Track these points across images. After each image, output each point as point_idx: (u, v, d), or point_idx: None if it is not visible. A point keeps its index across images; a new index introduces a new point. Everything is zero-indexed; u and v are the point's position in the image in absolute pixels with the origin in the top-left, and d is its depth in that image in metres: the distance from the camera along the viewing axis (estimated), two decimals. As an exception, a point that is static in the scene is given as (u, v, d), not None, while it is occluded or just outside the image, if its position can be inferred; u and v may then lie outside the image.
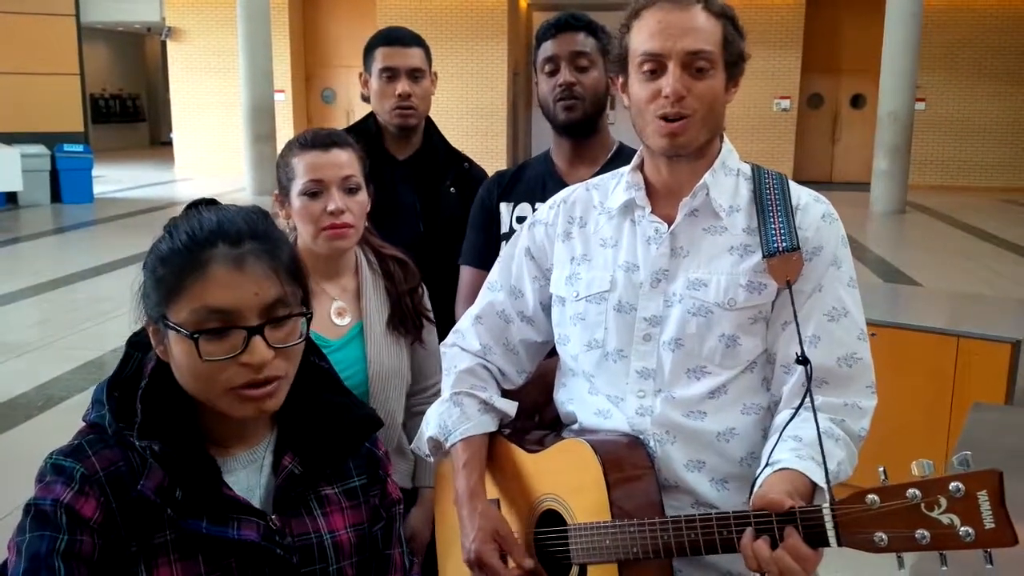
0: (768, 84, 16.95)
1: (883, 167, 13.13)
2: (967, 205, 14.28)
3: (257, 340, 1.07)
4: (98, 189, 14.25)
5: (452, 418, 1.62)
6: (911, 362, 3.41)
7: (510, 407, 1.66)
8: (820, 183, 16.16)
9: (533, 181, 2.19)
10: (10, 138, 12.95)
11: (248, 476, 1.18)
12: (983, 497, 1.06)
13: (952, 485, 1.07)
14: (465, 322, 1.73)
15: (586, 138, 2.13)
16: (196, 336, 1.05)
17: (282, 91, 17.35)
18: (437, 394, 2.00)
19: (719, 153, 1.53)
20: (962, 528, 1.07)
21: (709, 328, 1.46)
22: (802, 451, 1.33)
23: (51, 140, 13.28)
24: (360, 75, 2.53)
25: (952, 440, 3.19)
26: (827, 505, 1.18)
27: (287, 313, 1.10)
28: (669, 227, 1.51)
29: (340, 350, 1.89)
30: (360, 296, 1.95)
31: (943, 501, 1.08)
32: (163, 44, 19.57)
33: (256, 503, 1.16)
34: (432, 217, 2.44)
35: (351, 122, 2.61)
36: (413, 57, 2.43)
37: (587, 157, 2.14)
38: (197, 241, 1.08)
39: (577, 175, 2.10)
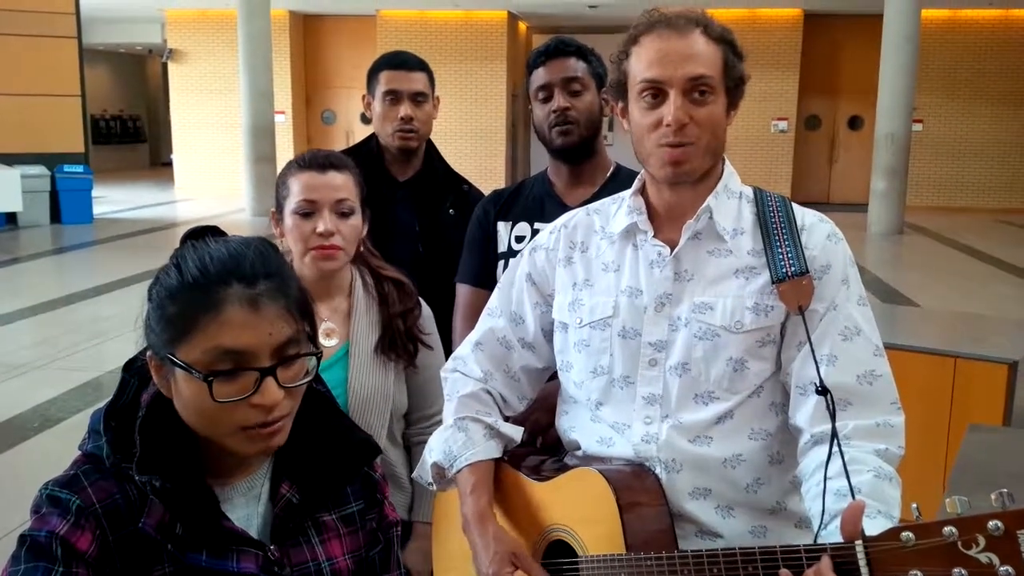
0: (766, 106, 17.03)
1: (881, 188, 13.16)
2: (964, 226, 14.31)
3: (269, 382, 1.05)
4: (98, 210, 14.25)
5: (457, 444, 1.59)
6: (908, 383, 3.37)
7: (515, 432, 1.64)
8: (818, 204, 16.06)
9: (531, 201, 2.20)
10: (11, 159, 12.96)
11: (246, 505, 1.16)
12: (1023, 536, 1.02)
13: (991, 523, 1.03)
14: (465, 348, 1.70)
15: (583, 161, 2.14)
16: (210, 379, 1.03)
17: (282, 112, 17.41)
18: (439, 423, 1.99)
19: (721, 176, 1.52)
20: (1002, 567, 1.03)
21: (716, 352, 1.44)
22: (869, 507, 1.25)
23: (51, 161, 13.28)
24: (363, 96, 2.56)
25: (950, 461, 3.18)
26: (860, 542, 1.14)
27: (297, 352, 1.08)
28: (672, 251, 1.49)
29: (324, 372, 1.87)
30: (350, 317, 1.94)
31: (981, 539, 1.04)
32: (164, 65, 19.65)
33: (254, 532, 1.15)
34: (431, 239, 2.45)
35: (351, 143, 2.63)
36: (416, 81, 2.46)
37: (585, 179, 2.15)
38: (210, 278, 1.05)
39: (575, 196, 2.11)
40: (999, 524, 1.03)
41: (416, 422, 2.04)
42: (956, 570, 1.05)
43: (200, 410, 1.06)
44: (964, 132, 17.06)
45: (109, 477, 1.07)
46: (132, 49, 24.29)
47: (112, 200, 16.60)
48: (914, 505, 1.12)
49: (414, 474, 1.74)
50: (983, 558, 1.04)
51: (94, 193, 13.90)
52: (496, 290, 1.72)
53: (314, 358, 1.12)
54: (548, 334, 1.64)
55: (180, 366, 1.04)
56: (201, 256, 1.07)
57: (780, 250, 1.44)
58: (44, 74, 13.37)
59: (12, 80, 13.04)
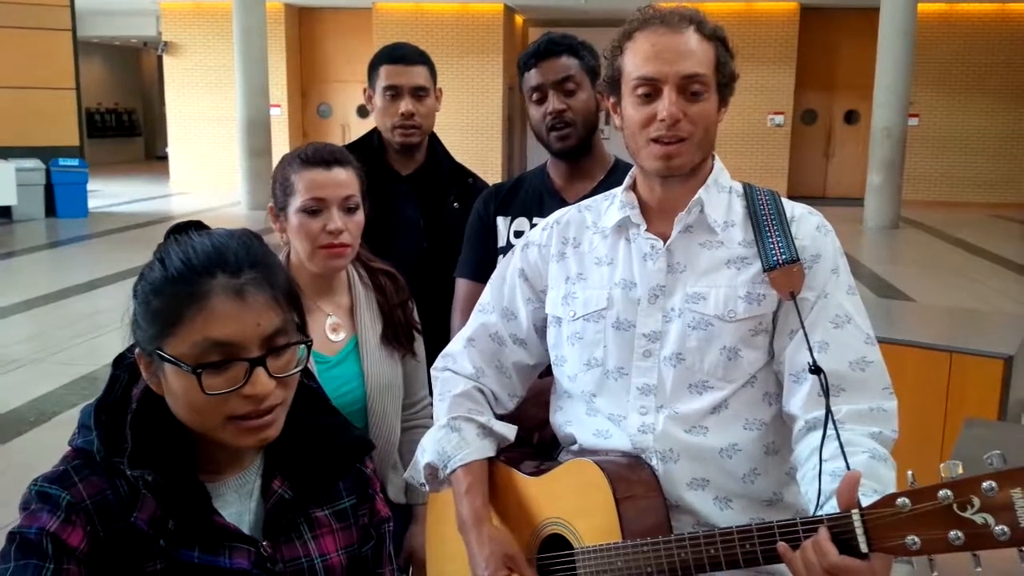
0: (762, 100, 17.02)
1: (876, 182, 13.18)
2: (960, 220, 14.33)
3: (259, 372, 1.04)
4: (93, 203, 14.22)
5: (451, 444, 1.59)
6: (904, 377, 3.38)
7: (509, 431, 1.64)
8: (813, 198, 16.21)
9: (530, 196, 2.19)
10: (5, 152, 12.94)
11: (238, 501, 1.16)
12: (1017, 495, 1.04)
13: (985, 484, 1.05)
14: (457, 345, 1.71)
15: (581, 158, 2.14)
16: (199, 371, 1.02)
17: (278, 106, 17.38)
18: (427, 407, 1.99)
19: (711, 171, 1.54)
20: (997, 527, 1.04)
21: (710, 341, 1.46)
22: (865, 486, 1.25)
23: (46, 154, 13.26)
24: (364, 90, 2.54)
25: (945, 456, 3.19)
26: (856, 511, 1.15)
27: (286, 342, 1.08)
28: (665, 243, 1.51)
29: (337, 366, 1.89)
30: (353, 311, 1.94)
31: (976, 501, 1.06)
32: (159, 59, 19.59)
33: (246, 528, 1.14)
34: (436, 233, 2.44)
35: (347, 137, 2.62)
36: (417, 75, 2.44)
37: (584, 174, 2.15)
38: (194, 270, 1.04)
39: (575, 191, 2.11)
40: (993, 484, 1.05)
41: (404, 408, 2.05)
42: (952, 532, 1.07)
43: (191, 404, 1.05)
44: (960, 126, 17.08)
45: (100, 472, 1.07)
46: (127, 42, 24.22)
47: (107, 194, 16.56)
48: (910, 472, 1.13)
49: (405, 475, 1.74)
50: (978, 519, 1.06)
51: (89, 187, 13.88)
52: (488, 286, 1.73)
53: (304, 347, 1.11)
54: (540, 330, 1.66)
55: (169, 360, 1.04)
56: (184, 250, 1.07)
57: (771, 240, 1.46)
58: (38, 67, 13.33)
59: (6, 73, 13.01)
